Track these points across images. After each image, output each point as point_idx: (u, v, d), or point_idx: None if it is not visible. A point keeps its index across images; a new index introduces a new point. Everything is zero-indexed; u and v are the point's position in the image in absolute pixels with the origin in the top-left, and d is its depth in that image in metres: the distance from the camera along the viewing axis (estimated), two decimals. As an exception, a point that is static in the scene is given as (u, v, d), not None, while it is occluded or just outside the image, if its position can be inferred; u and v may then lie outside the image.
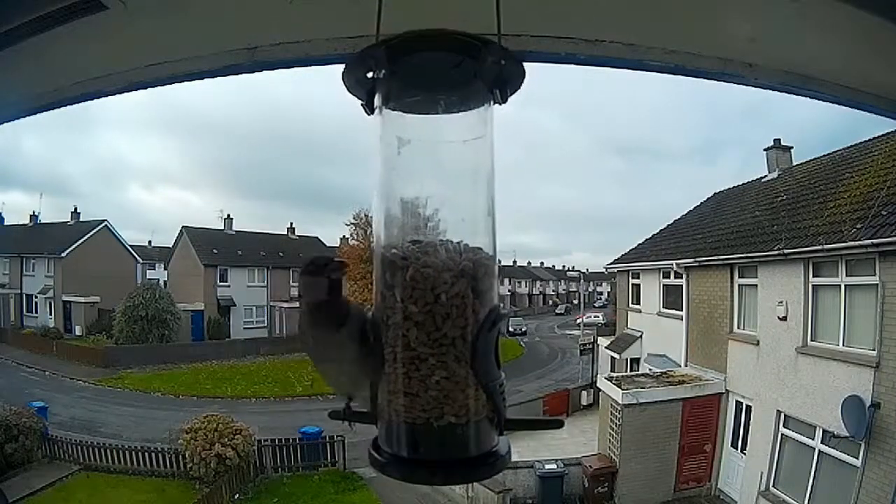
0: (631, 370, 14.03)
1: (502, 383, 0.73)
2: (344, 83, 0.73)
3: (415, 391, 0.69)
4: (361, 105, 0.73)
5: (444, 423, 0.69)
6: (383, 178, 0.74)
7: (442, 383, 0.69)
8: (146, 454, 11.89)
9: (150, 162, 71.35)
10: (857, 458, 7.20)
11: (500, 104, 0.71)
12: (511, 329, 35.43)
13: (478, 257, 0.71)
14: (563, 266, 70.25)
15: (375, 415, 0.75)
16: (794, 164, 13.18)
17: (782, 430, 8.88)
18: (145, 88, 1.24)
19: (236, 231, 33.04)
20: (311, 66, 1.17)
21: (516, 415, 0.76)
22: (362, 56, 0.71)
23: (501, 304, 0.77)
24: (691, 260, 11.60)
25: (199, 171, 74.96)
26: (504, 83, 0.70)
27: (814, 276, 8.42)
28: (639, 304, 14.94)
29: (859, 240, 7.24)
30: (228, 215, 33.23)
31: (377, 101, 0.72)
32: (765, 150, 13.74)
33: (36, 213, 33.65)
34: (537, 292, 62.36)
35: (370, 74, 0.72)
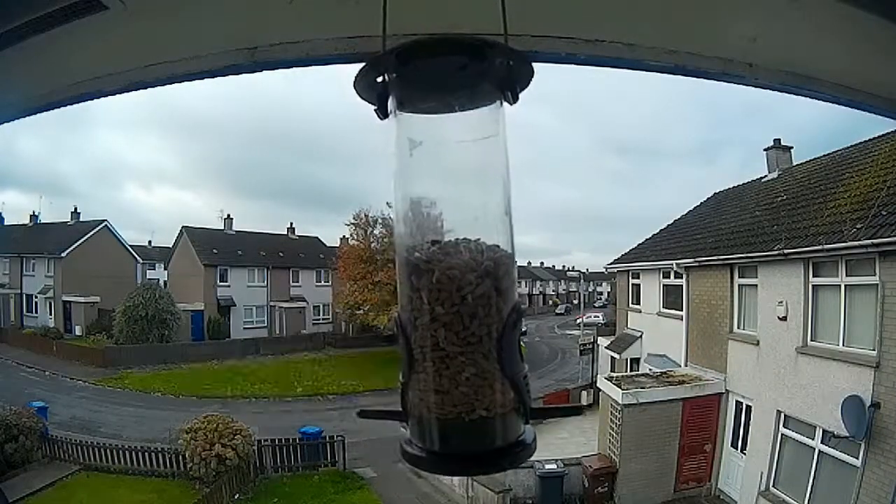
0: (631, 370, 14.03)
1: (526, 375, 0.75)
2: (355, 89, 0.74)
3: (446, 388, 0.71)
4: (374, 110, 0.74)
5: (474, 416, 0.71)
6: (400, 181, 0.75)
7: (472, 379, 0.71)
8: (146, 454, 11.90)
9: (146, 161, 71.42)
10: (857, 458, 7.20)
11: (511, 104, 0.72)
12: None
13: (498, 256, 0.73)
14: (564, 266, 70.35)
15: (406, 412, 0.77)
16: (795, 164, 13.19)
17: (782, 430, 8.88)
18: (145, 88, 1.23)
19: (236, 231, 33.04)
20: (311, 66, 1.17)
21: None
22: (373, 62, 0.72)
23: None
24: (691, 260, 11.60)
25: (195, 170, 74.99)
26: (514, 83, 0.71)
27: (814, 276, 8.42)
28: (639, 304, 14.94)
29: (859, 240, 7.24)
30: (228, 215, 33.29)
31: (390, 105, 0.73)
32: (765, 150, 13.76)
33: (36, 213, 33.73)
34: (537, 292, 62.34)
35: (381, 79, 0.73)
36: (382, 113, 0.73)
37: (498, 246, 0.73)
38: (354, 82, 0.73)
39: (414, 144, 0.74)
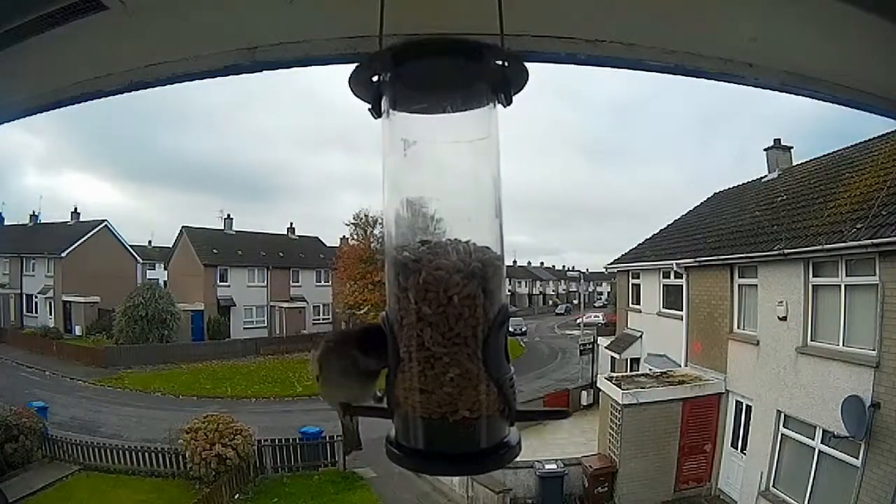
0: (631, 370, 14.03)
1: (512, 377, 0.75)
2: (350, 87, 0.74)
3: (430, 388, 0.72)
4: (368, 109, 0.74)
5: (458, 417, 0.71)
6: (391, 180, 0.75)
7: (456, 380, 0.71)
8: (146, 454, 11.90)
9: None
10: (857, 459, 7.20)
11: (505, 106, 0.72)
12: (511, 329, 35.01)
13: (486, 257, 0.73)
14: (564, 266, 70.30)
15: (392, 410, 0.78)
16: (795, 163, 13.20)
17: (782, 430, 8.88)
18: (145, 88, 1.23)
19: (236, 231, 33.03)
20: (311, 66, 1.17)
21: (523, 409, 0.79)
22: (369, 61, 0.72)
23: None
24: (691, 260, 11.60)
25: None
26: (508, 85, 0.71)
27: (814, 276, 8.42)
28: (639, 304, 14.94)
29: (859, 240, 7.24)
30: (228, 215, 33.28)
31: (384, 104, 0.73)
32: (765, 150, 13.76)
33: (36, 213, 33.70)
34: (537, 292, 62.33)
35: (376, 78, 0.73)
36: (376, 111, 0.73)
37: (488, 247, 0.73)
38: (349, 80, 0.73)
39: (408, 144, 0.74)
